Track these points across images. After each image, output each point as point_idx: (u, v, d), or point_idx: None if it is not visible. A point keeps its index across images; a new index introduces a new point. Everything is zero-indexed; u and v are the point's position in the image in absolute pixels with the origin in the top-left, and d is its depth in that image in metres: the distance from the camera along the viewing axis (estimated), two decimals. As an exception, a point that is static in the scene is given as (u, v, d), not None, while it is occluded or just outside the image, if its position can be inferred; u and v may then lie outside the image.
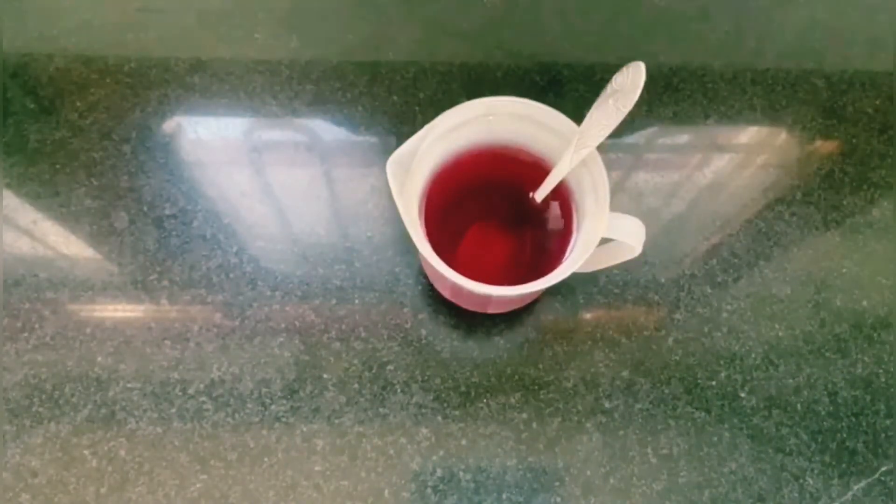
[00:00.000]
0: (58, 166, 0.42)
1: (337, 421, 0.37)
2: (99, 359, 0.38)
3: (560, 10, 0.47)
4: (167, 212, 0.41)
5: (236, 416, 0.37)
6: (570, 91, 0.44)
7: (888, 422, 0.38)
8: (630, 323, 0.39)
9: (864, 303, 0.40)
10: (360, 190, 0.41)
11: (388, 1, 0.47)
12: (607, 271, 0.34)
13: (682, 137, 0.45)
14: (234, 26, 0.46)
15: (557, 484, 0.36)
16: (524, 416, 0.37)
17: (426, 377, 0.38)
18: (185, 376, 0.37)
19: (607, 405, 0.38)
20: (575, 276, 0.31)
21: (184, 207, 0.41)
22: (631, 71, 0.28)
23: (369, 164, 0.42)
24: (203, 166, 0.43)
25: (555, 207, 0.36)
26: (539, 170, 0.34)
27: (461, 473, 0.36)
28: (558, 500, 0.36)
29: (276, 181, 0.43)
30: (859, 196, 0.43)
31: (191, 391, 0.37)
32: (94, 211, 0.41)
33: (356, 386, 0.37)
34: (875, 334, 0.39)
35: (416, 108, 0.44)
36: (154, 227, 0.41)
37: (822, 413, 0.38)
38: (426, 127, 0.31)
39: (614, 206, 0.31)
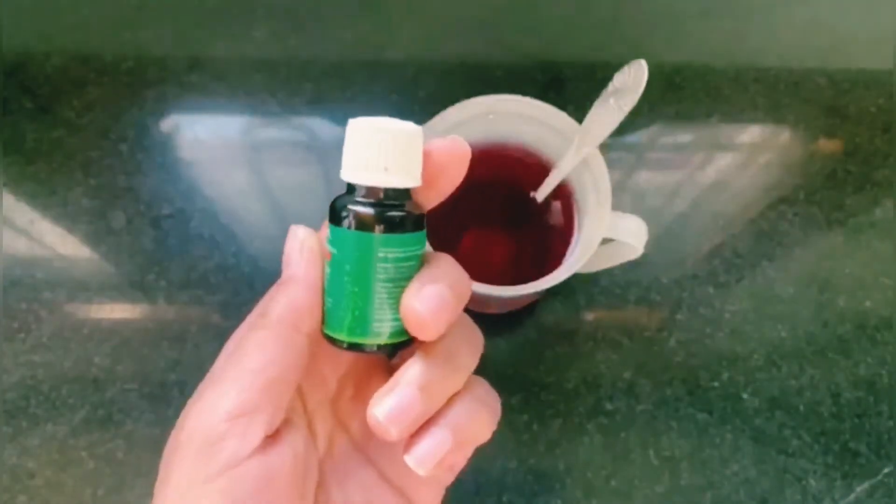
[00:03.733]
0: (55, 165, 0.41)
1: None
2: (96, 360, 0.37)
3: (561, 8, 0.47)
4: (165, 211, 0.41)
5: (234, 417, 0.36)
6: (571, 89, 0.44)
7: (891, 423, 0.37)
8: (632, 324, 0.39)
9: (868, 303, 0.40)
10: (360, 189, 0.41)
11: (388, -1, 0.47)
12: (609, 271, 0.34)
13: (685, 136, 0.44)
14: (232, 24, 0.46)
15: (558, 486, 0.36)
16: (525, 417, 0.37)
17: (426, 378, 0.37)
18: (184, 377, 0.37)
19: (608, 406, 0.37)
20: (576, 277, 0.31)
21: (181, 207, 0.41)
22: (633, 69, 0.28)
23: (369, 163, 0.42)
24: (201, 165, 0.42)
25: (556, 207, 0.36)
26: (540, 169, 0.34)
27: (461, 475, 0.36)
28: (559, 502, 0.36)
29: (275, 180, 0.42)
30: (862, 196, 0.42)
31: (189, 392, 0.37)
32: (91, 210, 0.41)
33: (355, 387, 0.37)
34: (878, 335, 0.39)
35: (416, 106, 0.43)
36: (151, 226, 0.40)
37: (825, 414, 0.37)
38: (426, 126, 0.31)
39: (616, 206, 0.30)
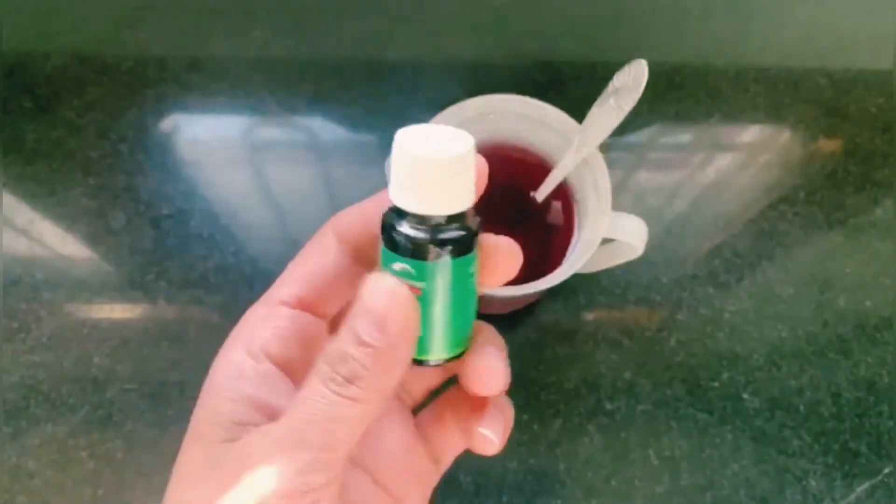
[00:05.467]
0: (55, 165, 0.41)
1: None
2: (96, 360, 0.37)
3: (561, 8, 0.47)
4: (164, 211, 0.41)
5: (234, 417, 0.36)
6: (572, 89, 0.44)
7: (891, 423, 0.37)
8: (632, 324, 0.39)
9: (868, 303, 0.40)
10: (360, 189, 0.41)
11: (388, -1, 0.47)
12: (609, 271, 0.34)
13: (685, 136, 0.44)
14: (232, 24, 0.46)
15: (558, 486, 0.36)
16: (525, 417, 0.37)
17: (426, 378, 0.37)
18: (183, 378, 0.37)
19: (609, 406, 0.37)
20: (576, 277, 0.31)
21: (181, 207, 0.41)
22: (633, 69, 0.28)
23: (368, 163, 0.42)
24: (201, 165, 0.42)
25: (556, 207, 0.36)
26: (540, 169, 0.34)
27: (461, 475, 0.36)
28: (559, 502, 0.35)
29: (275, 180, 0.42)
30: (863, 195, 0.42)
31: (189, 393, 0.37)
32: (91, 210, 0.41)
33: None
34: (878, 335, 0.39)
35: (416, 106, 0.43)
36: (151, 226, 0.40)
37: (826, 414, 0.37)
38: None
39: (616, 206, 0.30)
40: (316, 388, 0.16)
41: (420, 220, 0.17)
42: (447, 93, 0.43)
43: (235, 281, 0.39)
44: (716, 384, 0.38)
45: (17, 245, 0.40)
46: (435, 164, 0.16)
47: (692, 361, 0.38)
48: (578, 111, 0.31)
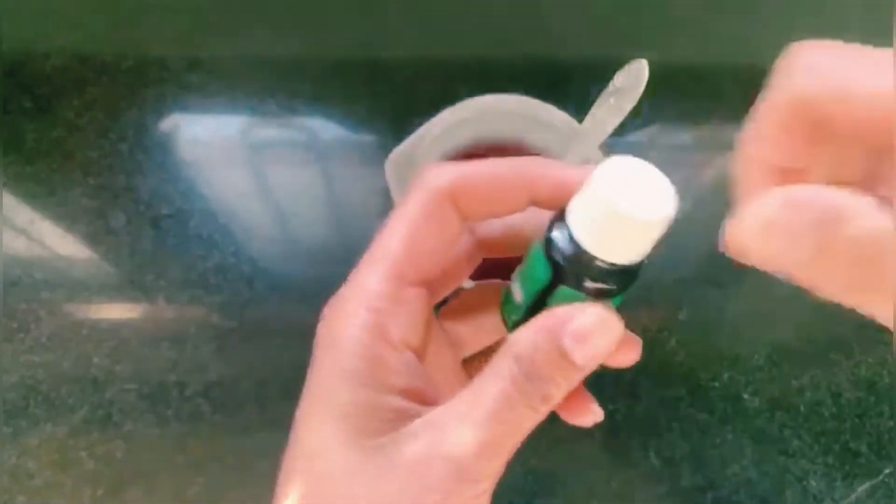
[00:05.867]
0: (55, 165, 0.41)
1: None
2: (95, 360, 0.37)
3: (562, 7, 0.47)
4: (164, 211, 0.41)
5: (234, 418, 0.36)
6: (573, 89, 0.44)
7: (892, 423, 0.37)
8: (632, 324, 0.39)
9: (868, 303, 0.40)
10: (360, 189, 0.41)
11: (388, -1, 0.47)
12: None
13: (686, 136, 0.44)
14: (232, 24, 0.46)
15: (558, 486, 0.36)
16: (525, 417, 0.37)
17: (426, 378, 0.37)
18: (183, 378, 0.37)
19: (609, 407, 0.37)
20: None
21: (181, 207, 0.41)
22: (634, 69, 0.28)
23: (368, 162, 0.42)
24: (200, 165, 0.42)
25: (556, 207, 0.35)
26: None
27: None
28: (559, 502, 0.35)
29: (275, 180, 0.42)
30: (863, 195, 0.42)
31: (188, 393, 0.37)
32: (90, 210, 0.41)
33: (355, 387, 0.37)
34: (878, 335, 0.39)
35: (416, 106, 0.43)
36: (151, 226, 0.40)
37: (826, 415, 0.37)
38: (426, 125, 0.31)
39: (616, 206, 0.30)
40: (505, 390, 0.16)
41: (619, 266, 0.18)
42: (447, 93, 0.43)
43: (235, 281, 0.39)
44: (716, 384, 0.38)
45: (17, 245, 0.40)
46: (650, 225, 0.17)
47: (693, 362, 0.38)
48: (580, 111, 0.31)
